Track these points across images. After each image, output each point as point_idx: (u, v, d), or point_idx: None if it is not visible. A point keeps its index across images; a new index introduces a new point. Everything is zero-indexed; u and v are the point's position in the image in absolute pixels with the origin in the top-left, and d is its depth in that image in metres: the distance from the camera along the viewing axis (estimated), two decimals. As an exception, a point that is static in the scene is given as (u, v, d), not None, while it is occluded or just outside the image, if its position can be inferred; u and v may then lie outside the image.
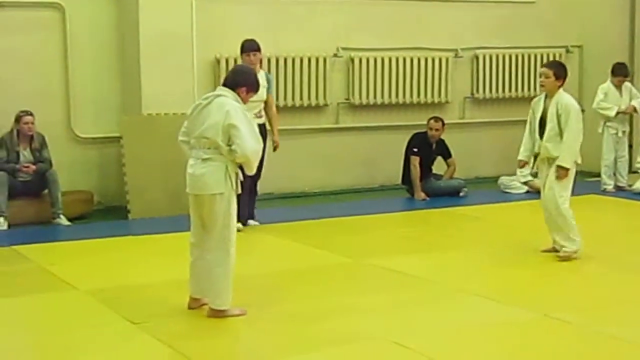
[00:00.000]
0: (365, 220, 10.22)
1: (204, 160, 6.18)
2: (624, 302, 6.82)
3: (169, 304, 6.69)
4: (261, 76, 9.07)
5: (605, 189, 11.92)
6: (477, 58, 13.22)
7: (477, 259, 8.37)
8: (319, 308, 6.62)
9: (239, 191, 6.33)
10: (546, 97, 8.06)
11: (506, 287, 7.25)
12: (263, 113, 9.51)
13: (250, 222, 9.70)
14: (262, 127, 9.55)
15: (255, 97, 9.17)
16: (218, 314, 6.27)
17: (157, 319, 6.32)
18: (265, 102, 9.53)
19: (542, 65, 8.39)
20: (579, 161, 8.09)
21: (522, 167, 8.47)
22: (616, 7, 13.77)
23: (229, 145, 6.12)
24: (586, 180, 12.94)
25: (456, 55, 13.07)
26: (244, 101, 6.36)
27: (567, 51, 13.95)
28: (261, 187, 10.16)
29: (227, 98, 6.23)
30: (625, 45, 13.74)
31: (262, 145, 6.31)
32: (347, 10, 12.27)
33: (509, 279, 7.54)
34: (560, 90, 8.00)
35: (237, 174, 6.28)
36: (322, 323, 6.24)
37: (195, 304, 6.49)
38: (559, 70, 8.04)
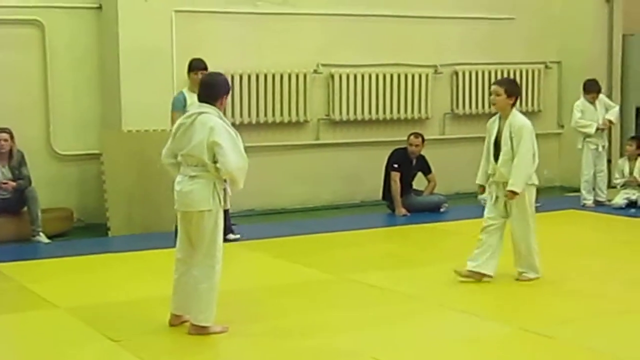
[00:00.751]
0: (346, 236, 10.23)
1: (192, 177, 6.17)
2: (602, 314, 6.84)
3: (150, 321, 6.66)
4: None
5: (584, 204, 11.97)
6: (457, 74, 13.27)
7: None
8: (301, 324, 6.61)
9: (227, 206, 6.33)
10: (500, 117, 7.77)
11: (486, 301, 7.27)
12: None
13: (231, 236, 9.70)
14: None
15: None
16: (200, 330, 6.23)
17: (138, 336, 6.30)
18: None
19: (493, 83, 8.06)
20: (536, 182, 7.78)
21: (481, 193, 8.15)
22: (595, 23, 13.90)
23: (215, 162, 6.12)
24: (566, 195, 13.03)
25: (436, 72, 13.12)
26: (224, 106, 6.35)
27: (546, 67, 14.04)
28: (242, 203, 10.17)
29: (209, 114, 6.19)
30: (604, 60, 13.89)
31: (246, 161, 6.21)
32: (327, 27, 12.30)
33: (489, 293, 7.55)
34: (514, 110, 7.66)
35: (224, 190, 6.25)
36: (304, 339, 6.24)
37: (176, 321, 6.46)
38: (511, 87, 7.73)
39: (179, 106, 9.44)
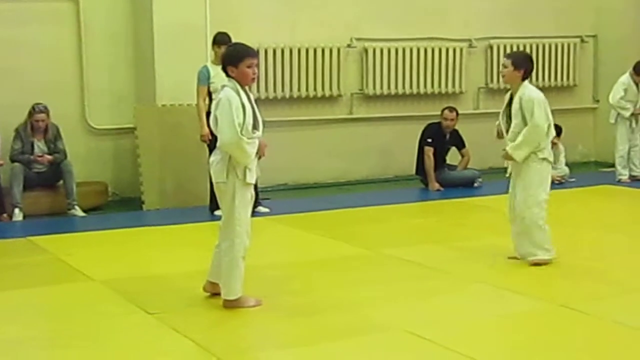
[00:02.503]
0: (380, 210, 10.22)
1: (217, 148, 6.23)
2: (634, 291, 6.81)
3: (184, 294, 6.69)
4: None
5: (620, 179, 11.88)
6: (491, 48, 13.19)
7: (491, 249, 8.35)
8: (334, 299, 6.62)
9: (251, 181, 6.23)
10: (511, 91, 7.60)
11: (521, 277, 7.23)
12: None
13: (261, 209, 9.82)
14: None
15: None
16: (229, 304, 6.27)
17: (173, 309, 6.33)
18: None
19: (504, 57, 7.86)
20: (550, 158, 7.50)
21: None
22: (630, -3, 13.72)
23: None
24: (601, 171, 12.94)
25: (470, 46, 13.05)
26: (246, 76, 6.14)
27: (582, 41, 13.90)
28: (275, 177, 10.21)
29: (227, 87, 6.15)
30: (640, 35, 13.72)
31: (238, 136, 5.99)
32: (360, 1, 12.25)
33: (524, 269, 7.50)
34: (525, 83, 7.46)
35: (246, 165, 6.15)
36: (337, 313, 6.25)
37: (209, 288, 6.50)
38: (519, 60, 7.48)
39: (204, 79, 9.58)
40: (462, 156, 12.00)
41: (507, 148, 7.48)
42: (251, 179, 6.22)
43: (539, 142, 7.39)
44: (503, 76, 7.66)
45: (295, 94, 11.77)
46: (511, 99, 7.58)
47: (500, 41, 13.20)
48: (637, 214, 10.20)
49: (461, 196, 11.01)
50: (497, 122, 7.80)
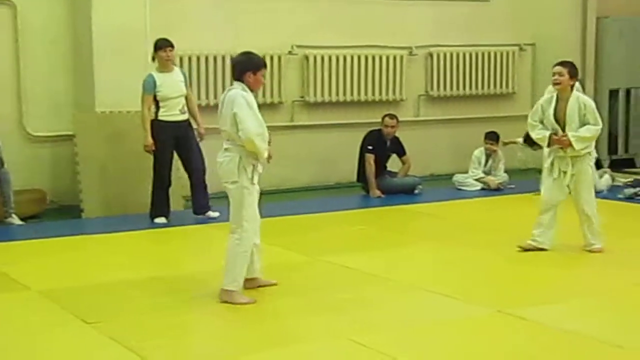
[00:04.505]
0: (321, 218, 10.23)
1: (225, 150, 6.64)
2: (577, 295, 6.91)
3: (123, 303, 6.65)
4: (176, 72, 9.76)
5: None
6: (432, 56, 13.28)
7: (431, 256, 8.43)
8: (277, 306, 6.62)
9: (254, 181, 6.67)
10: (558, 98, 8.16)
11: (461, 283, 7.29)
12: (186, 109, 9.80)
13: (210, 213, 9.87)
14: (187, 123, 9.70)
15: (175, 93, 9.59)
16: (225, 295, 6.57)
17: (111, 318, 6.28)
18: (186, 98, 9.81)
19: (555, 64, 8.34)
20: (595, 155, 8.39)
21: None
22: (569, 6, 13.92)
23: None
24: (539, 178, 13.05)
25: (411, 53, 13.12)
26: (258, 83, 6.69)
27: (521, 49, 14.06)
28: (216, 185, 10.10)
29: (234, 89, 6.61)
30: (578, 43, 13.91)
31: (264, 129, 6.58)
32: (302, 8, 12.25)
33: (464, 275, 7.58)
34: (574, 89, 8.17)
35: (253, 166, 6.62)
36: (281, 321, 6.25)
37: (249, 285, 6.83)
38: (573, 69, 8.17)
39: (149, 88, 9.56)
40: (403, 163, 12.06)
41: (569, 136, 7.98)
42: (256, 179, 6.69)
43: (592, 142, 8.16)
44: (558, 84, 8.15)
45: (237, 101, 11.72)
46: (556, 102, 8.13)
47: (440, 49, 13.30)
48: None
49: (402, 203, 11.06)
50: (541, 133, 8.21)
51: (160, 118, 9.63)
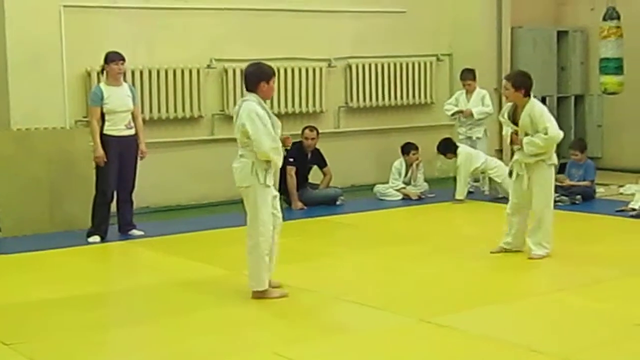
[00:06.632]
0: (242, 231, 10.12)
1: (239, 156, 7.03)
2: (498, 301, 7.00)
3: (41, 323, 6.54)
4: (124, 88, 9.71)
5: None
6: (351, 67, 13.36)
7: (354, 266, 8.46)
8: (198, 321, 6.58)
9: (270, 183, 6.97)
10: (516, 106, 8.33)
11: (384, 293, 7.33)
12: (132, 125, 9.69)
13: (135, 231, 9.80)
14: (132, 139, 9.63)
15: (121, 107, 9.51)
16: (258, 294, 6.97)
17: (30, 339, 6.17)
18: (132, 114, 9.75)
19: (503, 78, 8.65)
20: (555, 162, 8.36)
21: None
22: (484, 16, 14.16)
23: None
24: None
25: (329, 65, 13.18)
26: (271, 91, 7.04)
27: (438, 59, 14.23)
28: (137, 200, 10.04)
29: (248, 101, 6.91)
30: (493, 52, 14.17)
31: (278, 142, 6.92)
32: (220, 21, 12.22)
33: (387, 285, 7.62)
34: (530, 99, 8.23)
35: (266, 170, 6.90)
36: (203, 335, 6.21)
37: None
38: (517, 81, 8.28)
39: (97, 100, 9.55)
40: (324, 175, 12.09)
41: (523, 139, 8.20)
42: (270, 181, 6.97)
43: (548, 150, 8.24)
44: (506, 97, 8.45)
45: (156, 115, 11.63)
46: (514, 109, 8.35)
47: (359, 60, 13.39)
48: (477, 224, 10.40)
49: (324, 214, 11.09)
50: (506, 131, 8.50)
51: (105, 132, 9.53)
